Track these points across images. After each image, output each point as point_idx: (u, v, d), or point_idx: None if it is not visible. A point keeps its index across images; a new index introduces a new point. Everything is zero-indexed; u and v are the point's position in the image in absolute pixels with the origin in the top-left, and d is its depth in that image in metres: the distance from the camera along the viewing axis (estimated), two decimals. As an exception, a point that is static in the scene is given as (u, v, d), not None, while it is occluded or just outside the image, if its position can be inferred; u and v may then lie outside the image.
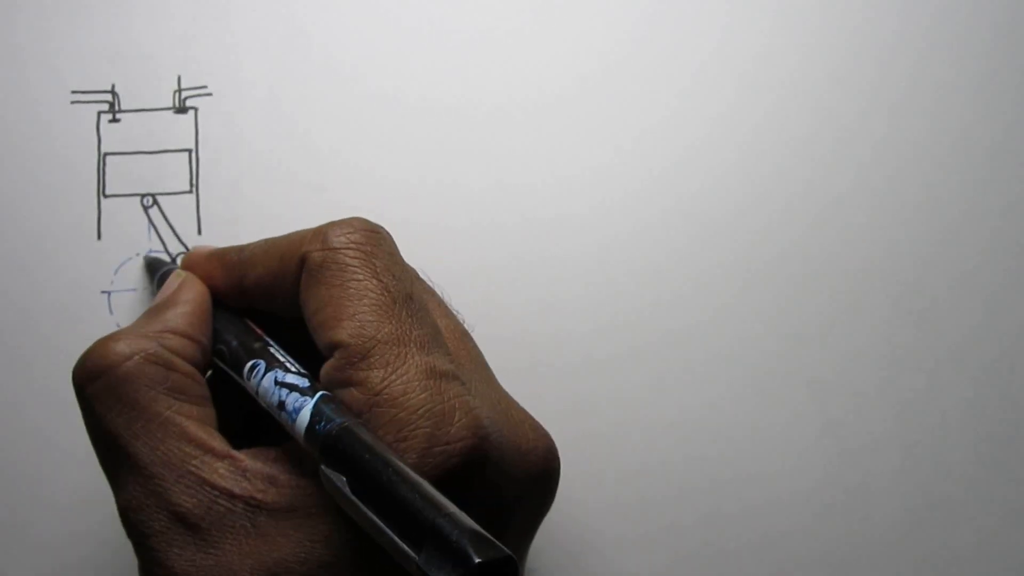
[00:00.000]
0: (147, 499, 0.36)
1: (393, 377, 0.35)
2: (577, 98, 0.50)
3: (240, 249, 0.41)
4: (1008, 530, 0.48)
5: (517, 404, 0.40)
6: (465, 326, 0.41)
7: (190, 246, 0.48)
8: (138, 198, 0.49)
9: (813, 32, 0.51)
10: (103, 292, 0.48)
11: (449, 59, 0.50)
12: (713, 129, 0.50)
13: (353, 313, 0.36)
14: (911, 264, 0.50)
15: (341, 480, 0.33)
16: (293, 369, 0.38)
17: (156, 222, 0.48)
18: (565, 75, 0.51)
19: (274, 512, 0.35)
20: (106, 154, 0.49)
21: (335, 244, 0.38)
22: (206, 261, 0.42)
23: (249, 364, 0.38)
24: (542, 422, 0.40)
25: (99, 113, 0.49)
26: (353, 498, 0.32)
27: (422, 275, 0.41)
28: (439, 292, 0.42)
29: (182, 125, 0.49)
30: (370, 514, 0.32)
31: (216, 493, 0.36)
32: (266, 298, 0.40)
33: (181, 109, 0.49)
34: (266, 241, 0.40)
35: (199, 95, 0.49)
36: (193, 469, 0.36)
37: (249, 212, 0.49)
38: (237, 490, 0.36)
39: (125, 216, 0.48)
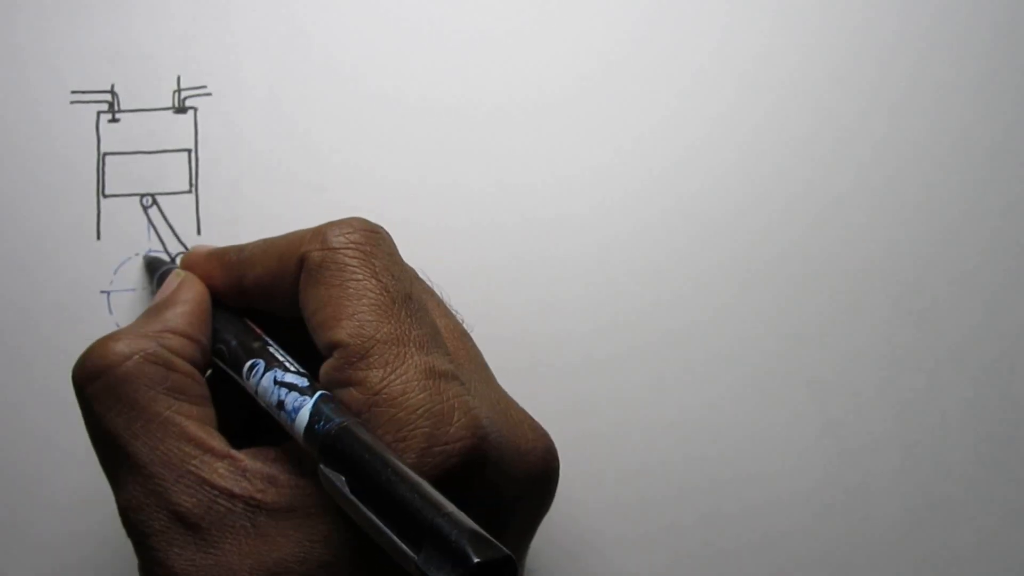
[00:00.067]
0: (147, 499, 0.36)
1: (392, 377, 0.35)
2: (577, 98, 0.50)
3: (239, 249, 0.41)
4: (1008, 530, 0.48)
5: (516, 404, 0.40)
6: (464, 326, 0.41)
7: (189, 246, 0.48)
8: (138, 198, 0.49)
9: (813, 32, 0.51)
10: (103, 292, 0.48)
11: (449, 59, 0.50)
12: (713, 129, 0.50)
13: (352, 313, 0.36)
14: (911, 264, 0.50)
15: (340, 480, 0.33)
16: (292, 369, 0.38)
17: (156, 222, 0.48)
18: (565, 75, 0.51)
19: (274, 512, 0.35)
20: (106, 154, 0.49)
21: (334, 244, 0.38)
22: (205, 261, 0.42)
23: (248, 364, 0.38)
24: (542, 422, 0.40)
25: (99, 113, 0.49)
26: (352, 498, 0.32)
27: (422, 275, 0.41)
28: (438, 292, 0.42)
29: (182, 125, 0.49)
30: (369, 514, 0.32)
31: (216, 493, 0.36)
32: (265, 298, 0.40)
33: (181, 109, 0.49)
34: (265, 241, 0.40)
35: (199, 95, 0.49)
36: (193, 469, 0.36)
37: (249, 212, 0.49)
38: (237, 490, 0.36)
39: (125, 216, 0.48)
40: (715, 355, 0.49)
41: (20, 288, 0.48)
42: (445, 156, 0.50)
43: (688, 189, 0.50)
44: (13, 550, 0.46)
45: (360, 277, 0.37)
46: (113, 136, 0.49)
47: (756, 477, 0.48)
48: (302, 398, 0.36)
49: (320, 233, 0.38)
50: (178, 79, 0.49)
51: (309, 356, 0.38)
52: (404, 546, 0.31)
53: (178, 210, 0.49)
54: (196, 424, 0.37)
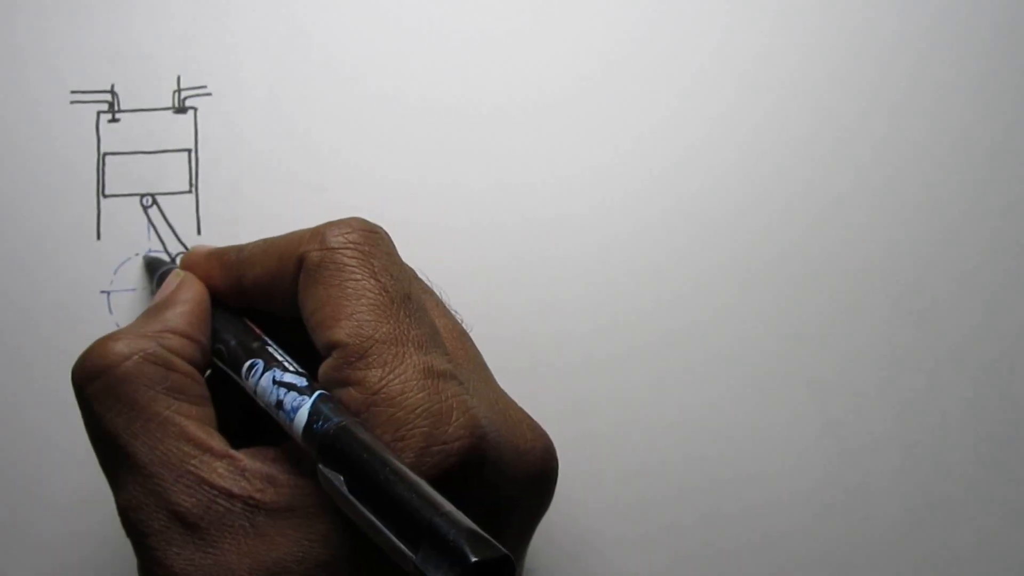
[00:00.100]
0: (146, 498, 0.36)
1: (391, 376, 0.35)
2: (577, 98, 0.50)
3: (239, 249, 0.41)
4: (1008, 530, 0.48)
5: (515, 404, 0.40)
6: (464, 326, 0.41)
7: (189, 246, 0.48)
8: (138, 198, 0.49)
9: (813, 32, 0.51)
10: (103, 292, 0.48)
11: (449, 59, 0.50)
12: (713, 129, 0.50)
13: (351, 313, 0.36)
14: (911, 264, 0.50)
15: (339, 479, 0.33)
16: (291, 368, 0.38)
17: (156, 222, 0.48)
18: (565, 75, 0.51)
19: (272, 512, 0.35)
20: (106, 154, 0.49)
21: (333, 244, 0.38)
22: (205, 261, 0.42)
23: (247, 363, 0.38)
24: (542, 422, 0.40)
25: (99, 113, 0.49)
26: (350, 497, 0.32)
27: (421, 275, 0.41)
28: (438, 292, 0.42)
29: (182, 125, 0.49)
30: (367, 513, 0.32)
31: (215, 492, 0.36)
32: (264, 298, 0.40)
33: (181, 109, 0.49)
34: (265, 241, 0.40)
35: (199, 95, 0.49)
36: (192, 468, 0.36)
37: (249, 212, 0.49)
38: (236, 490, 0.36)
39: (125, 216, 0.48)
40: (715, 355, 0.49)
41: (20, 288, 0.48)
42: (445, 156, 0.50)
43: (688, 189, 0.50)
44: (13, 550, 0.46)
45: (359, 277, 0.37)
46: (113, 136, 0.49)
47: (756, 477, 0.48)
48: (301, 398, 0.36)
49: (319, 233, 0.38)
50: (178, 79, 0.50)
51: (308, 356, 0.38)
52: (402, 545, 0.31)
53: (178, 210, 0.49)
54: (195, 424, 0.37)
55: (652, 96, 0.51)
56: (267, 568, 0.34)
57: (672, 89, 0.51)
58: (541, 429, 0.39)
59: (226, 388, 0.40)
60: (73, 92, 0.49)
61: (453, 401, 0.35)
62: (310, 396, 0.36)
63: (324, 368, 0.36)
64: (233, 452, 0.37)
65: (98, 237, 0.48)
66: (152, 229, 0.48)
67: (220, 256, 0.42)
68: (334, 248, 0.38)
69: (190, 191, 0.49)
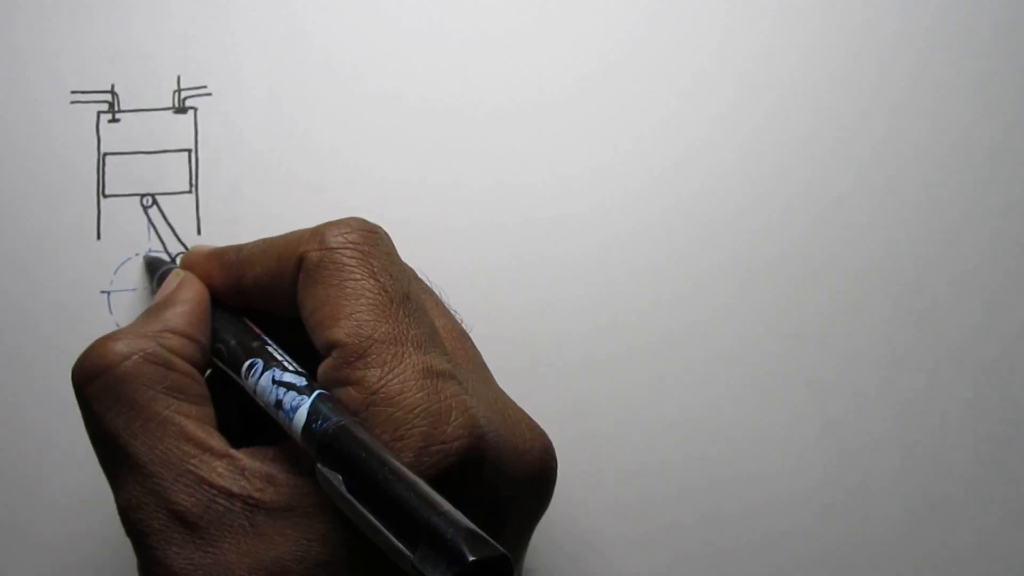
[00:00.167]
0: (146, 498, 0.36)
1: (390, 376, 0.35)
2: (577, 98, 0.50)
3: (238, 249, 0.41)
4: (1008, 530, 0.48)
5: (514, 404, 0.40)
6: (463, 326, 0.41)
7: (189, 246, 0.48)
8: (138, 198, 0.49)
9: (813, 32, 0.51)
10: (103, 292, 0.48)
11: (449, 59, 0.50)
12: (713, 129, 0.50)
13: (350, 312, 0.36)
14: (911, 264, 0.50)
15: (337, 479, 0.33)
16: (291, 368, 0.38)
17: (156, 222, 0.48)
18: (565, 75, 0.51)
19: (272, 511, 0.35)
20: (106, 154, 0.49)
21: (332, 244, 0.38)
22: (205, 261, 0.42)
23: (247, 363, 0.38)
24: (542, 422, 0.40)
25: (99, 113, 0.49)
26: (349, 496, 0.32)
27: (421, 275, 0.42)
28: (437, 292, 0.42)
29: (182, 125, 0.49)
30: (366, 512, 0.32)
31: (215, 492, 0.36)
32: (264, 297, 0.40)
33: (181, 109, 0.49)
34: (264, 241, 0.40)
35: (199, 95, 0.49)
36: (192, 468, 0.36)
37: (249, 212, 0.49)
38: (235, 489, 0.36)
39: (125, 216, 0.48)
40: (715, 355, 0.49)
41: (20, 288, 0.48)
42: (445, 156, 0.50)
43: (688, 189, 0.50)
44: (13, 550, 0.46)
45: (358, 277, 0.37)
46: (113, 136, 0.49)
47: (756, 477, 0.48)
48: (300, 397, 0.36)
49: (318, 233, 0.38)
50: (178, 79, 0.50)
51: (308, 356, 0.38)
52: (400, 545, 0.31)
53: (178, 210, 0.49)
54: (195, 423, 0.37)
55: (652, 96, 0.51)
56: (266, 567, 0.34)
57: (672, 89, 0.51)
58: (540, 429, 0.39)
59: (226, 388, 0.40)
60: (73, 92, 0.49)
61: (452, 401, 0.35)
62: (309, 396, 0.36)
63: (323, 368, 0.36)
64: (233, 451, 0.37)
65: (98, 237, 0.48)
66: (152, 229, 0.48)
67: (220, 256, 0.42)
68: (333, 248, 0.38)
69: (190, 191, 0.49)
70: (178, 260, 0.47)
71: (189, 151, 0.49)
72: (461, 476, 0.34)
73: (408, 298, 0.37)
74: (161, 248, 0.48)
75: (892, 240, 0.50)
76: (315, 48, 0.50)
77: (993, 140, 0.51)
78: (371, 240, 0.38)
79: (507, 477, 0.37)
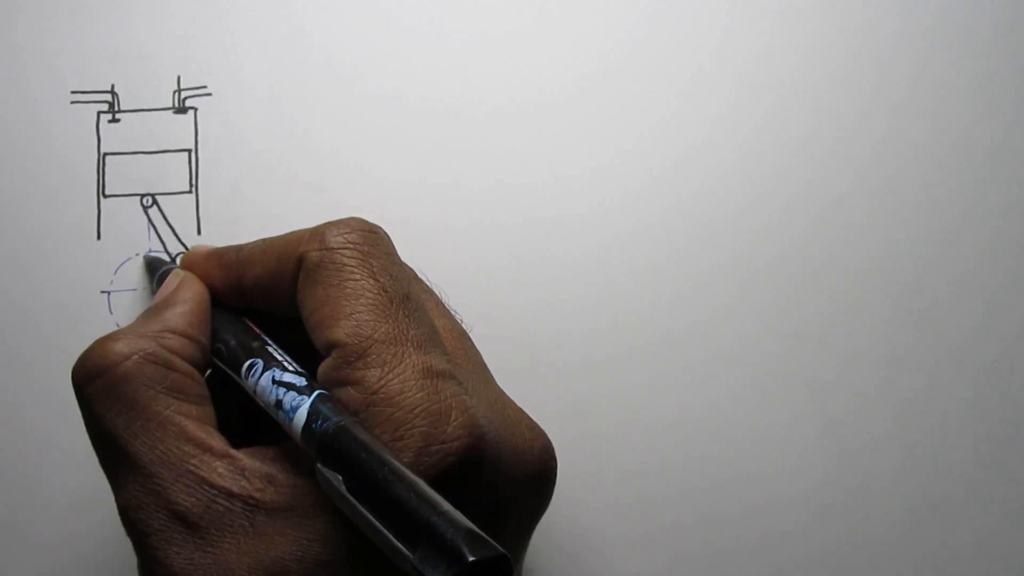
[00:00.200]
0: (146, 498, 0.36)
1: (390, 376, 0.35)
2: (577, 98, 0.50)
3: (238, 249, 0.41)
4: (1008, 530, 0.48)
5: (514, 404, 0.40)
6: (463, 326, 0.41)
7: (189, 246, 0.48)
8: (138, 198, 0.49)
9: (813, 32, 0.51)
10: (103, 292, 0.48)
11: (449, 59, 0.50)
12: (713, 129, 0.50)
13: (350, 313, 0.36)
14: (911, 264, 0.50)
15: (337, 479, 0.33)
16: (291, 368, 0.38)
17: (156, 222, 0.48)
18: (565, 75, 0.51)
19: (272, 511, 0.35)
20: (106, 154, 0.49)
21: (332, 244, 0.38)
22: (204, 261, 0.42)
23: (247, 363, 0.38)
24: (542, 422, 0.40)
25: (99, 113, 0.49)
26: (349, 497, 0.32)
27: (421, 275, 0.42)
28: (437, 292, 0.42)
29: (182, 125, 0.49)
30: (366, 513, 0.32)
31: (215, 492, 0.36)
32: (264, 298, 0.40)
33: (181, 109, 0.49)
34: (264, 241, 0.40)
35: (199, 95, 0.49)
36: (192, 468, 0.36)
37: (249, 212, 0.49)
38: (235, 489, 0.36)
39: (125, 216, 0.48)
40: (715, 355, 0.49)
41: (20, 288, 0.48)
42: (445, 156, 0.50)
43: (688, 189, 0.50)
44: (13, 550, 0.46)
45: (358, 277, 0.37)
46: (113, 136, 0.49)
47: (756, 477, 0.48)
48: (300, 397, 0.36)
49: (318, 233, 0.38)
50: (178, 79, 0.50)
51: (308, 356, 0.38)
52: (400, 545, 0.31)
53: (178, 210, 0.49)
54: (195, 423, 0.37)
55: (652, 96, 0.51)
56: (266, 567, 0.34)
57: (672, 89, 0.51)
58: (540, 429, 0.39)
59: (226, 388, 0.40)
60: (73, 92, 0.49)
61: (452, 401, 0.35)
62: (309, 396, 0.36)
63: (323, 368, 0.36)
64: (233, 451, 0.37)
65: (98, 237, 0.48)
66: (152, 229, 0.48)
67: (220, 256, 0.42)
68: (333, 248, 0.38)
69: (190, 191, 0.49)
70: (178, 260, 0.47)
71: (189, 151, 0.49)
72: (461, 476, 0.34)
73: (408, 298, 0.37)
74: (161, 248, 0.48)
75: (892, 240, 0.50)
76: (315, 48, 0.50)
77: (993, 140, 0.51)
78: (371, 240, 0.38)
79: (507, 477, 0.37)
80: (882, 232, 0.50)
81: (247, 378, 0.38)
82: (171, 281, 0.42)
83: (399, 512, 0.31)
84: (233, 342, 0.40)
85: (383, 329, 0.36)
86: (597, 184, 0.50)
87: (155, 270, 0.46)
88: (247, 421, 0.41)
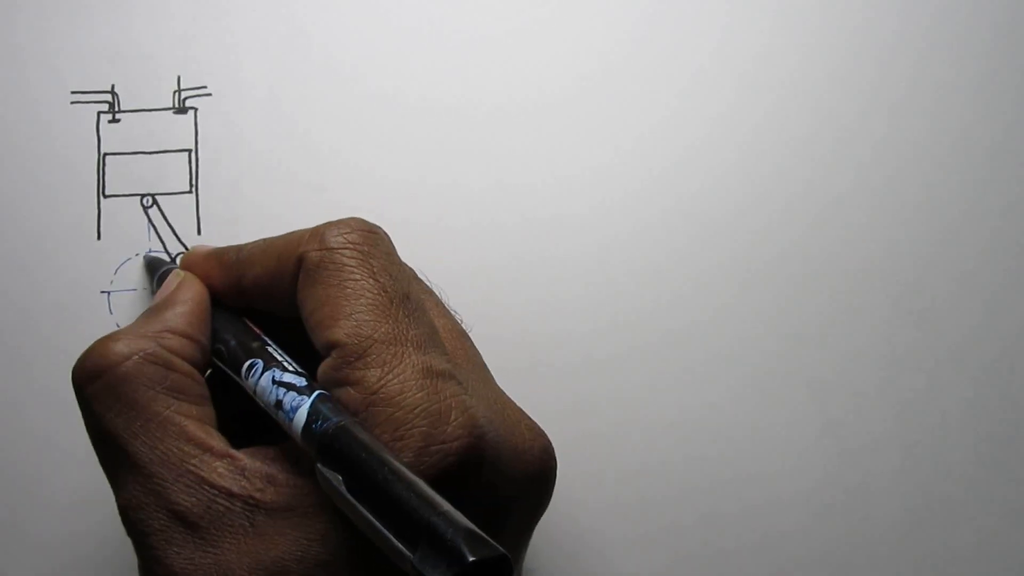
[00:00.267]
0: (146, 498, 0.36)
1: (390, 376, 0.35)
2: (577, 98, 0.50)
3: (238, 249, 0.41)
4: (1008, 530, 0.48)
5: (514, 404, 0.40)
6: (463, 326, 0.41)
7: (189, 246, 0.48)
8: (138, 198, 0.49)
9: (813, 32, 0.51)
10: (103, 292, 0.48)
11: (449, 59, 0.50)
12: (713, 129, 0.50)
13: (350, 313, 0.36)
14: (911, 264, 0.50)
15: (337, 479, 0.33)
16: (291, 368, 0.38)
17: (156, 222, 0.48)
18: (565, 75, 0.51)
19: (272, 511, 0.35)
20: (106, 154, 0.49)
21: (332, 244, 0.38)
22: (204, 261, 0.42)
23: (247, 363, 0.38)
24: (542, 422, 0.40)
25: (99, 113, 0.49)
26: (349, 497, 0.32)
27: (420, 275, 0.42)
28: (437, 292, 0.42)
29: (182, 125, 0.49)
30: (366, 513, 0.32)
31: (215, 492, 0.36)
32: (264, 298, 0.40)
33: (181, 109, 0.49)
34: (264, 241, 0.40)
35: (199, 95, 0.49)
36: (192, 468, 0.36)
37: (249, 212, 0.49)
38: (236, 489, 0.36)
39: (125, 216, 0.48)
40: (715, 355, 0.49)
41: (20, 288, 0.48)
42: (445, 156, 0.50)
43: (688, 189, 0.50)
44: (13, 550, 0.46)
45: (358, 277, 0.37)
46: (113, 136, 0.49)
47: (756, 477, 0.48)
48: (300, 398, 0.36)
49: (318, 233, 0.38)
50: (178, 79, 0.50)
51: (308, 356, 0.38)
52: (400, 545, 0.31)
53: (178, 210, 0.49)
54: (195, 423, 0.37)
55: (652, 96, 0.51)
56: (266, 567, 0.34)
57: (672, 89, 0.51)
58: (539, 429, 0.39)
59: (226, 388, 0.40)
60: (73, 92, 0.49)
61: (452, 401, 0.35)
62: (309, 396, 0.36)
63: (323, 368, 0.36)
64: (233, 451, 0.37)
65: (98, 237, 0.48)
66: (152, 229, 0.48)
67: (219, 256, 0.42)
68: (333, 248, 0.38)
69: (190, 191, 0.49)
70: (178, 260, 0.47)
71: (189, 151, 0.49)
72: (461, 476, 0.34)
73: (408, 298, 0.37)
74: (161, 248, 0.48)
75: (892, 240, 0.50)
76: (315, 48, 0.50)
77: (993, 140, 0.51)
78: (371, 240, 0.38)
79: (507, 477, 0.37)
80: (882, 232, 0.50)
81: (247, 378, 0.38)
82: (171, 281, 0.42)
83: (399, 512, 0.31)
84: (233, 342, 0.40)
85: (383, 329, 0.36)
86: (597, 184, 0.50)
87: (155, 270, 0.46)
88: (247, 421, 0.41)
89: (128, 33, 0.50)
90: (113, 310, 0.48)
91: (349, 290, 0.37)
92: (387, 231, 0.40)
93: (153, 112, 0.49)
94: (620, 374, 0.49)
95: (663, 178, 0.50)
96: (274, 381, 0.37)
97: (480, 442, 0.35)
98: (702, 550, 0.48)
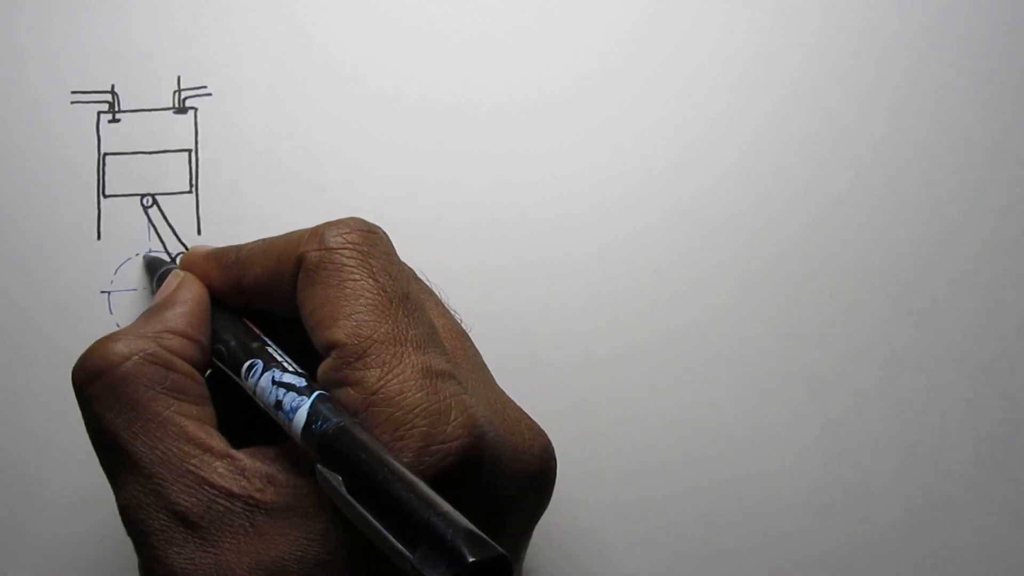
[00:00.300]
0: (147, 498, 0.36)
1: (389, 376, 0.35)
2: (577, 98, 0.50)
3: (238, 249, 0.41)
4: (1008, 530, 0.48)
5: (514, 403, 0.40)
6: (463, 326, 0.41)
7: (189, 246, 0.48)
8: (138, 198, 0.49)
9: (813, 32, 0.51)
10: (103, 292, 0.48)
11: (449, 59, 0.50)
12: (713, 129, 0.50)
13: (350, 313, 0.36)
14: (911, 264, 0.50)
15: (337, 479, 0.33)
16: (290, 369, 0.38)
17: (156, 222, 0.48)
18: (565, 75, 0.51)
19: (272, 511, 0.35)
20: (106, 154, 0.49)
21: (332, 244, 0.38)
22: (204, 261, 0.42)
23: (247, 364, 0.38)
24: (542, 422, 0.40)
25: (99, 113, 0.49)
26: (349, 497, 0.32)
27: (420, 275, 0.42)
28: (437, 292, 0.42)
29: (182, 125, 0.49)
30: (365, 513, 0.32)
31: (215, 492, 0.36)
32: (264, 298, 0.40)
33: (181, 109, 0.49)
34: (263, 241, 0.40)
35: (199, 95, 0.49)
36: (192, 468, 0.36)
37: (249, 212, 0.49)
38: (236, 489, 0.36)
39: (125, 216, 0.48)
40: (715, 355, 0.49)
41: (20, 288, 0.48)
42: (445, 156, 0.50)
43: (688, 189, 0.50)
44: (13, 550, 0.46)
45: (357, 277, 0.37)
46: (113, 136, 0.49)
47: (756, 477, 0.48)
48: (300, 398, 0.36)
49: (318, 233, 0.38)
50: (178, 79, 0.50)
51: (307, 356, 0.38)
52: (400, 545, 0.31)
53: (178, 210, 0.49)
54: (196, 424, 0.37)
55: (652, 96, 0.51)
56: (266, 567, 0.34)
57: (672, 89, 0.51)
58: (539, 428, 0.39)
59: (226, 388, 0.40)
60: (73, 92, 0.49)
61: (451, 400, 0.35)
62: (309, 396, 0.36)
63: (323, 368, 0.36)
64: (233, 452, 0.37)
65: (98, 237, 0.48)
66: (152, 229, 0.48)
67: (219, 256, 0.42)
68: (333, 248, 0.38)
69: (190, 191, 0.49)
70: (178, 260, 0.47)
71: (189, 151, 0.49)
72: (460, 476, 0.34)
73: (407, 298, 0.37)
74: (161, 248, 0.48)
75: (892, 240, 0.50)
76: (315, 48, 0.50)
77: (993, 140, 0.50)
78: (370, 240, 0.38)
79: (506, 477, 0.37)
80: (882, 232, 0.50)
81: (247, 379, 0.38)
82: (171, 282, 0.42)
83: (399, 513, 0.31)
84: (233, 342, 0.40)
85: (382, 329, 0.36)
86: (597, 184, 0.50)
87: (155, 270, 0.46)
88: (247, 421, 0.41)
89: (128, 33, 0.50)
90: (113, 310, 0.48)
91: (349, 290, 0.37)
92: (387, 231, 0.40)
93: (153, 112, 0.49)
94: (620, 374, 0.49)
95: (663, 178, 0.50)
96: (274, 381, 0.37)
97: (480, 442, 0.35)
98: (702, 550, 0.48)
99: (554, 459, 0.39)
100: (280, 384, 0.37)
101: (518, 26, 0.51)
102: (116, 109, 0.49)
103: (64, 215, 0.48)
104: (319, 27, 0.50)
